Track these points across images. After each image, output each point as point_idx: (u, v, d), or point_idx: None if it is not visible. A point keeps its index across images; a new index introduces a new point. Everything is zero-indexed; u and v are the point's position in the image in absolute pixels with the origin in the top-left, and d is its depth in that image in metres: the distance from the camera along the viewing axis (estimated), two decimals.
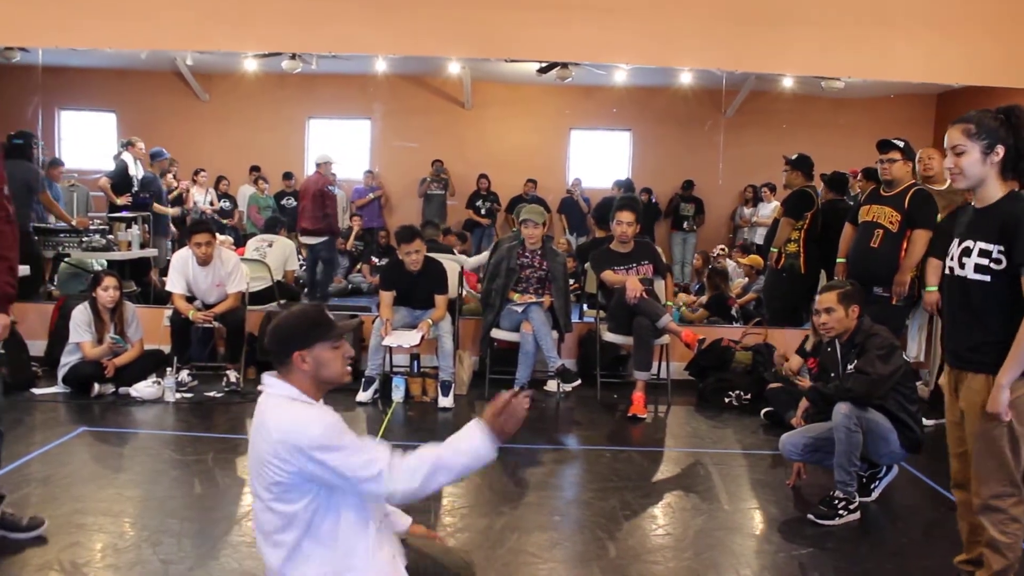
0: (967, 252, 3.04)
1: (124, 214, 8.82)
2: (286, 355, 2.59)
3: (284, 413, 2.52)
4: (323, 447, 2.42)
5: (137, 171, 9.35)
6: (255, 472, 2.54)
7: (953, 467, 3.31)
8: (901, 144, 5.74)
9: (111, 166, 9.43)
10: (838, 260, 6.27)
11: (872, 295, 5.59)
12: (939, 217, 5.77)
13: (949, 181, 6.20)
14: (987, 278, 2.98)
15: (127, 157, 9.35)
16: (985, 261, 2.98)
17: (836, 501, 4.24)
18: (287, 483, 2.46)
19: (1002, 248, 2.94)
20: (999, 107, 3.02)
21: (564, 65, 8.69)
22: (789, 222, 7.13)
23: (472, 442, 2.47)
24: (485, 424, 2.48)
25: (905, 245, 5.70)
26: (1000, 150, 2.97)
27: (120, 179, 9.19)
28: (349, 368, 2.71)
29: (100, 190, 9.27)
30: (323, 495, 2.48)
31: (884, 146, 5.78)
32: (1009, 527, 3.05)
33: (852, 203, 6.85)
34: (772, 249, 7.34)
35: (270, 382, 2.61)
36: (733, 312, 8.61)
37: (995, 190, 3.02)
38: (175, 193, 10.58)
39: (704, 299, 9.08)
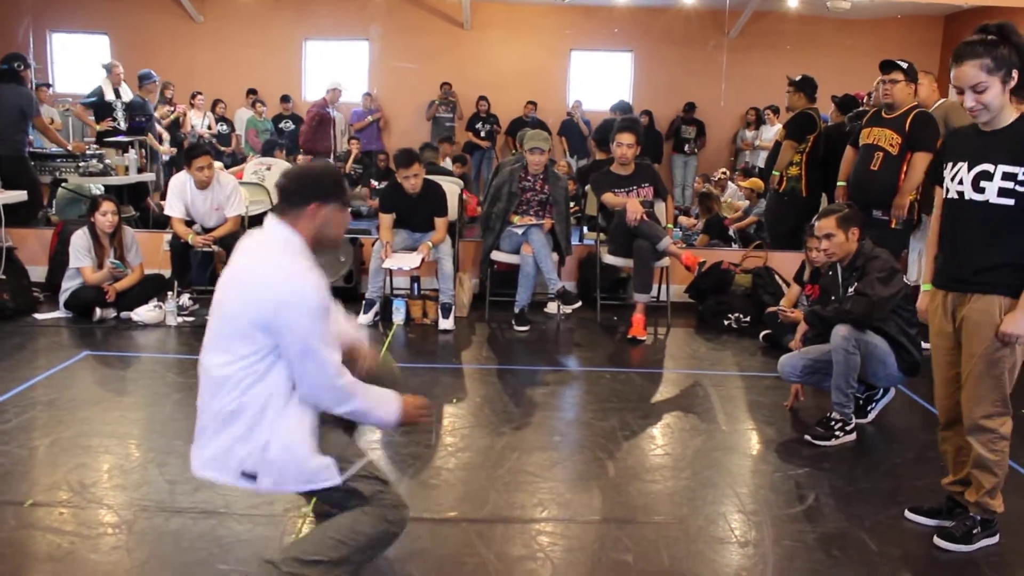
0: (986, 176, 2.98)
1: (120, 139, 8.73)
2: (304, 202, 2.57)
3: (286, 264, 2.50)
4: (309, 320, 2.44)
5: (123, 94, 9.17)
6: (219, 314, 2.56)
7: (939, 393, 3.30)
8: (904, 65, 5.62)
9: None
10: (838, 183, 6.22)
11: (871, 218, 5.55)
12: None
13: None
14: (1011, 201, 2.94)
15: (103, 81, 9.07)
16: (1010, 184, 2.94)
17: (833, 422, 4.29)
18: (246, 331, 2.47)
19: None
20: (985, 26, 2.94)
21: None
22: (791, 145, 7.06)
23: (387, 404, 2.67)
24: (402, 403, 2.70)
25: (905, 168, 5.64)
26: (1015, 74, 2.92)
27: (97, 105, 8.96)
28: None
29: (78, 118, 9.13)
30: (267, 358, 2.49)
31: (886, 66, 5.66)
32: (998, 444, 3.09)
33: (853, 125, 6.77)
34: (774, 172, 7.28)
35: (276, 227, 2.58)
36: (731, 232, 8.59)
37: (1008, 113, 2.98)
38: (172, 116, 10.46)
39: (700, 224, 9.05)
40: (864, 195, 5.68)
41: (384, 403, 2.68)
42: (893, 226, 5.70)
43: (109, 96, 8.98)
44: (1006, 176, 2.94)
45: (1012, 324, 2.94)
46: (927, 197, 5.85)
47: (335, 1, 11.72)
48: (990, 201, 2.98)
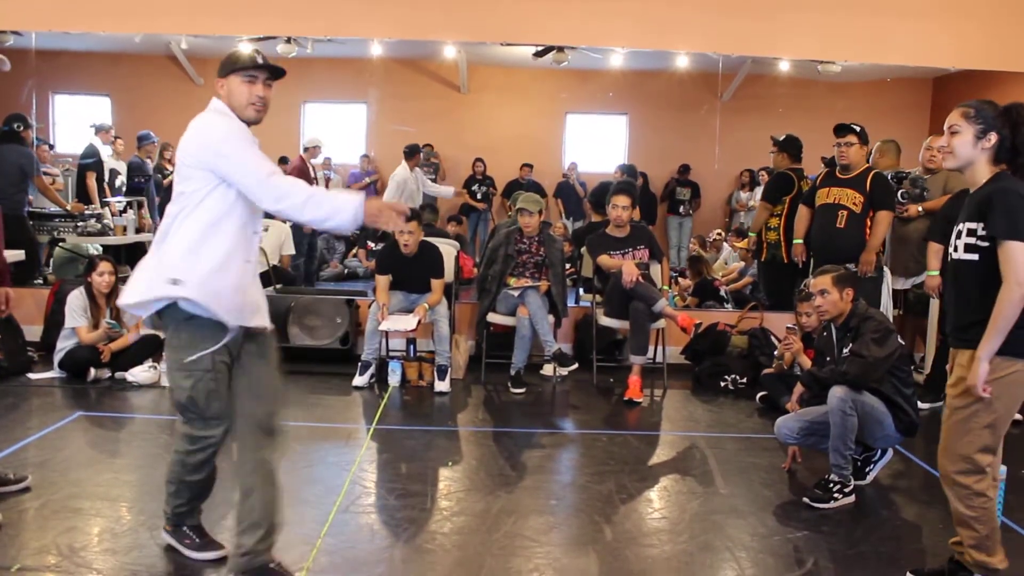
0: (958, 234, 3.12)
1: (119, 198, 8.77)
2: (218, 78, 3.13)
3: (201, 121, 3.08)
4: (223, 144, 2.97)
5: (117, 160, 9.19)
6: None
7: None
8: (858, 128, 5.97)
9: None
10: (795, 241, 6.41)
11: None
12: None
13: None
14: (975, 257, 3.04)
15: (96, 142, 9.11)
16: (972, 240, 3.05)
17: (831, 484, 4.26)
18: (187, 170, 3.02)
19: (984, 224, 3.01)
20: (1008, 104, 3.10)
21: (560, 49, 8.65)
22: (766, 207, 7.11)
23: (346, 202, 2.92)
24: (364, 202, 2.91)
25: (869, 224, 5.93)
26: (992, 137, 3.04)
27: (95, 167, 8.97)
28: (257, 107, 3.19)
29: (88, 189, 9.05)
30: (215, 189, 3.00)
31: (841, 130, 6.01)
32: (974, 501, 3.07)
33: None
34: (750, 234, 7.37)
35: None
36: (722, 293, 8.60)
37: (983, 174, 3.09)
38: (169, 179, 10.52)
39: (690, 287, 9.07)
40: (834, 251, 5.92)
41: (338, 203, 2.93)
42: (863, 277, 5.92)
43: (107, 158, 9.04)
44: (970, 232, 3.07)
45: (971, 375, 2.98)
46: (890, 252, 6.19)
47: (334, 65, 11.84)
48: (961, 258, 3.11)
